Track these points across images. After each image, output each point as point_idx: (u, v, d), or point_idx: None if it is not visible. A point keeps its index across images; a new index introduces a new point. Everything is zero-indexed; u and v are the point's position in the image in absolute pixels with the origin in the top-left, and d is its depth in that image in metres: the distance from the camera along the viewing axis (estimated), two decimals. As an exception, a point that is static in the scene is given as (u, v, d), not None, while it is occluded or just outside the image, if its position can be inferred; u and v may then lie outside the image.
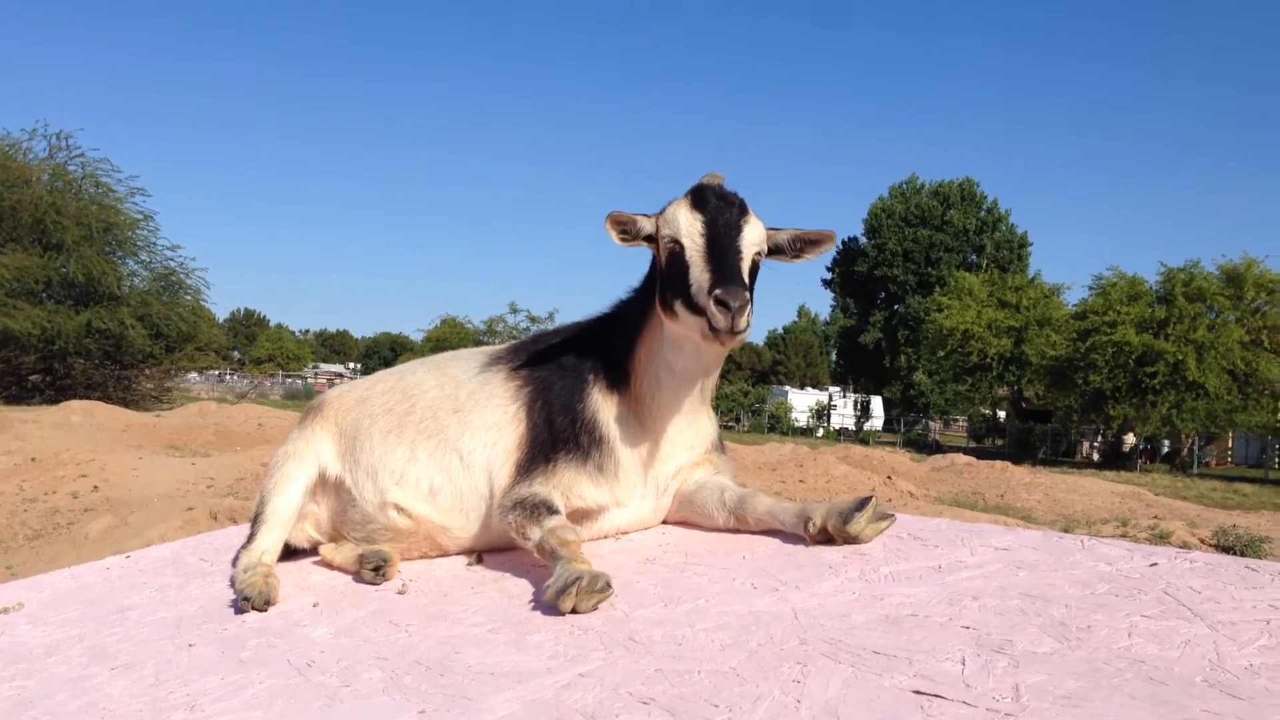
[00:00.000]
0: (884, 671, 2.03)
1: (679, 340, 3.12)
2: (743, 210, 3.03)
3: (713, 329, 2.81)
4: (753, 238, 3.01)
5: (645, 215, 3.12)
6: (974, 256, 79.13)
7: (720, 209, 2.99)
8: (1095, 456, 51.39)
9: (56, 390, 38.99)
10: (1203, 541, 15.07)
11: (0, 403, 34.24)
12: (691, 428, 3.38)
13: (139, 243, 44.42)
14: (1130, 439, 48.17)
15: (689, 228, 2.96)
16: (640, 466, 3.33)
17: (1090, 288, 49.46)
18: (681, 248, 2.95)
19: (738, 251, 2.93)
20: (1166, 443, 50.12)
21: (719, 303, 2.76)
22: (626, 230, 3.09)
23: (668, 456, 3.37)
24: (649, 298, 3.23)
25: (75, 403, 28.01)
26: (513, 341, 3.84)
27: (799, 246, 3.20)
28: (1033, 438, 53.72)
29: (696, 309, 2.85)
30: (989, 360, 52.75)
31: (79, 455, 15.88)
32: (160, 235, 46.83)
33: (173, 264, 45.65)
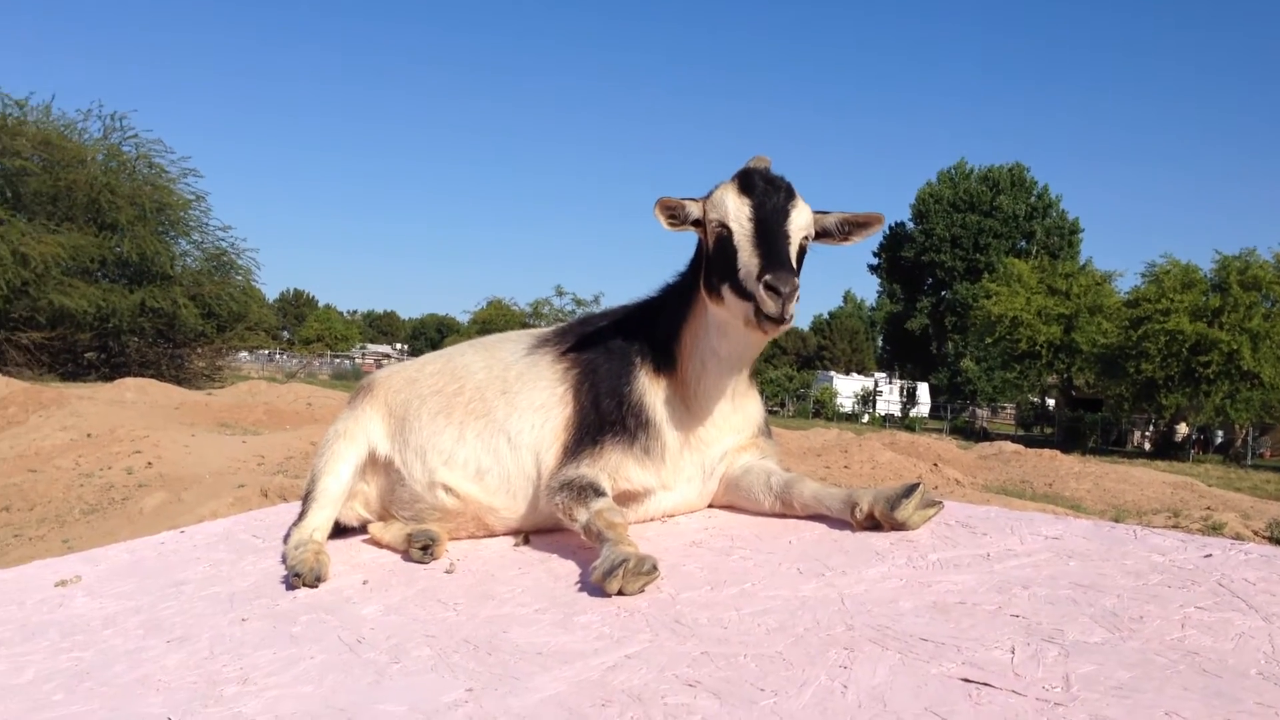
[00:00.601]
0: (932, 659, 2.02)
1: (724, 325, 3.12)
2: (790, 194, 3.01)
3: (761, 314, 2.80)
4: (800, 222, 3.00)
5: (692, 200, 3.11)
6: (1023, 243, 78.27)
7: (768, 193, 2.97)
8: (1146, 446, 50.73)
9: (111, 368, 39.67)
10: (1256, 534, 14.84)
11: (57, 379, 34.87)
12: (737, 411, 3.37)
13: (191, 223, 45.12)
14: (1182, 429, 47.51)
15: (737, 212, 2.95)
16: (686, 450, 3.33)
17: (1143, 275, 48.75)
18: (729, 232, 2.94)
19: (786, 236, 2.92)
20: (1220, 433, 49.35)
21: (769, 288, 2.75)
22: (675, 215, 3.09)
23: (713, 440, 3.37)
24: (694, 282, 3.23)
25: (129, 380, 28.47)
26: (560, 324, 3.86)
27: (847, 229, 3.19)
28: (1082, 426, 53.06)
29: (744, 294, 2.85)
30: (1038, 347, 52.11)
31: (133, 432, 16.15)
32: (212, 216, 47.35)
33: (224, 244, 46.38)
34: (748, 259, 2.87)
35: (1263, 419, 45.24)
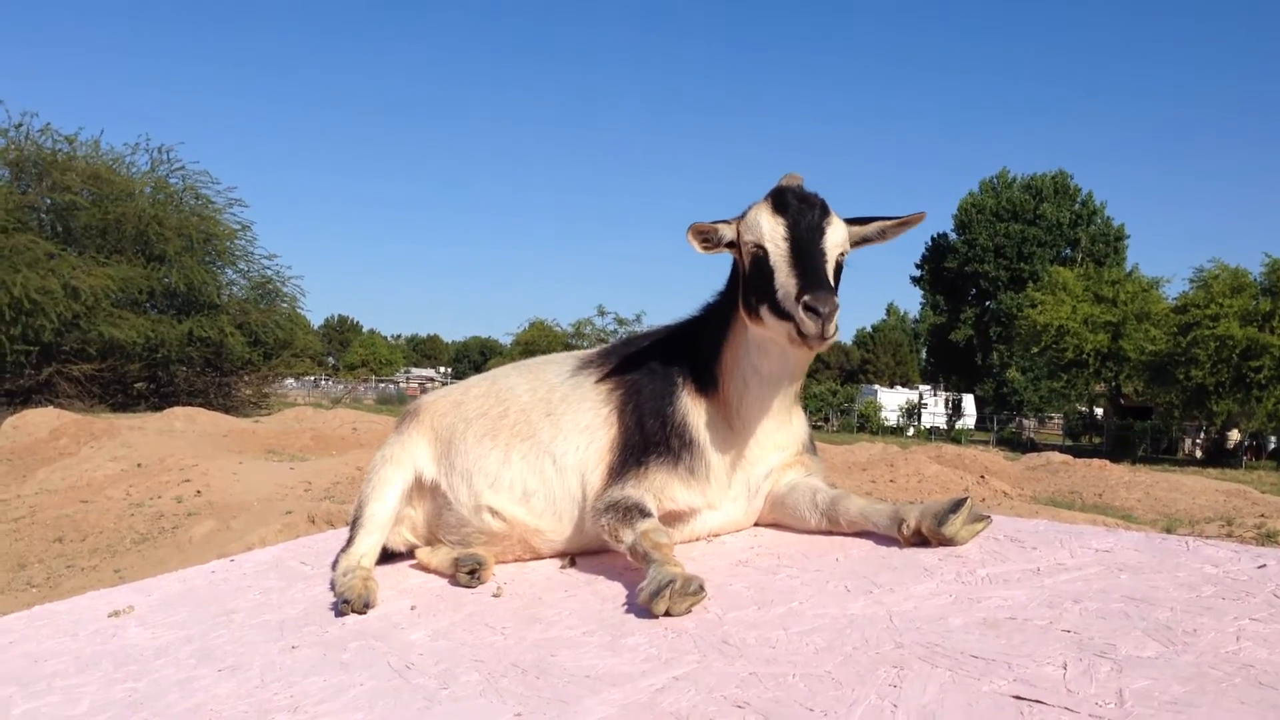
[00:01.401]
0: (982, 676, 2.01)
1: (764, 344, 3.12)
2: (824, 212, 3.01)
3: (801, 334, 2.80)
4: (835, 239, 3.00)
5: (725, 222, 3.11)
6: (1068, 251, 77.58)
7: (802, 212, 2.97)
8: (1198, 454, 50.05)
9: (160, 397, 40.18)
10: (1313, 541, 14.56)
11: (107, 410, 35.39)
12: (781, 429, 3.36)
13: (237, 252, 45.72)
14: (1234, 435, 46.85)
15: (772, 232, 2.95)
16: (731, 469, 3.33)
17: (1191, 280, 48.20)
18: (765, 253, 2.94)
19: (822, 254, 2.92)
20: (1273, 439, 48.58)
21: (808, 309, 2.75)
22: (708, 239, 3.09)
23: (758, 459, 3.36)
24: (733, 302, 3.23)
25: (178, 409, 28.84)
26: (602, 345, 3.87)
27: (885, 232, 3.19)
28: (1132, 435, 52.46)
29: (783, 314, 2.85)
30: (1085, 356, 51.62)
31: (182, 460, 16.35)
32: (257, 245, 48.39)
33: (269, 272, 46.95)
34: (785, 279, 2.87)
35: (1317, 424, 44.45)
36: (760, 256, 2.96)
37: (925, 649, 2.19)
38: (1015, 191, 79.67)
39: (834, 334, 2.79)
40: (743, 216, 3.07)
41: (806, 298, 2.76)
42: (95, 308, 37.75)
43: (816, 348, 2.86)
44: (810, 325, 2.76)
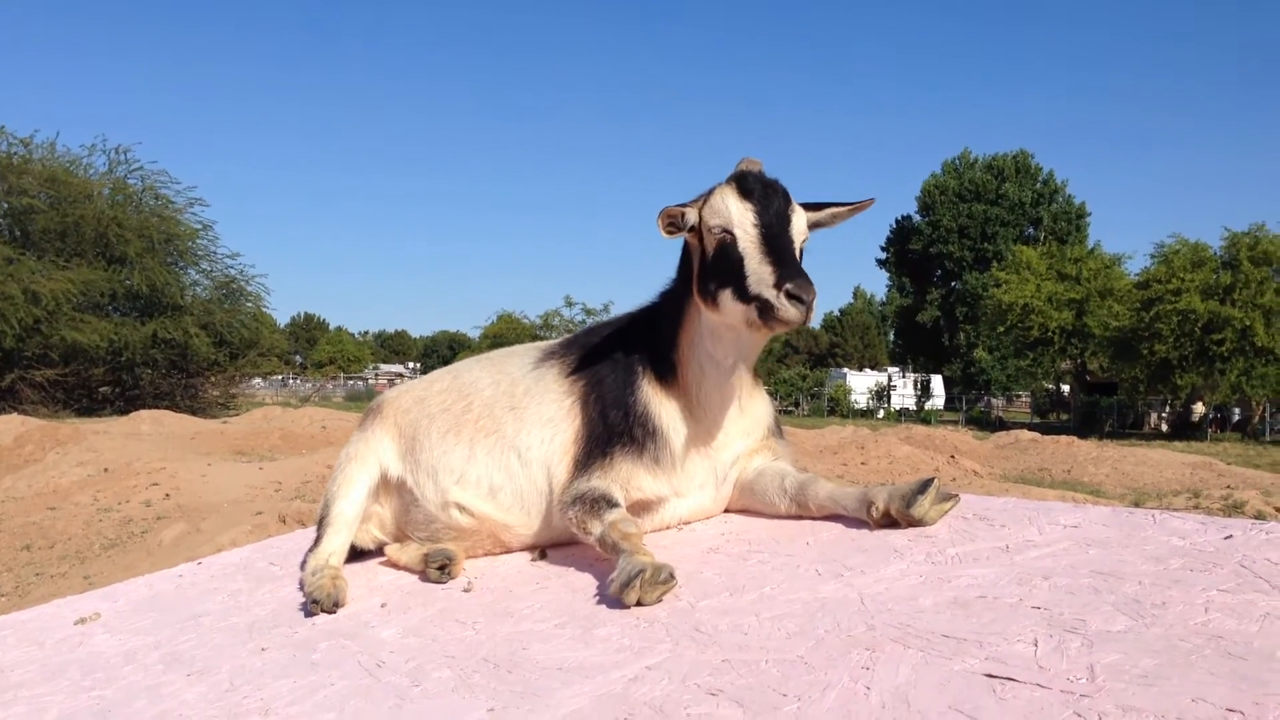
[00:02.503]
0: (954, 655, 2.00)
1: (717, 330, 3.11)
2: (788, 198, 3.01)
3: (768, 314, 2.80)
4: (799, 226, 3.02)
5: (687, 206, 3.09)
6: (1031, 230, 78.17)
7: (769, 198, 2.96)
8: (1163, 428, 50.54)
9: (126, 401, 39.83)
10: (1278, 510, 14.76)
11: (72, 415, 35.03)
12: (744, 414, 3.36)
13: (199, 252, 45.30)
14: (1199, 408, 47.32)
15: (740, 217, 2.93)
16: (696, 456, 3.32)
17: (1152, 256, 48.63)
18: (733, 238, 2.92)
19: (792, 241, 2.93)
20: (1237, 411, 49.13)
21: (792, 296, 2.75)
22: (675, 224, 3.07)
23: (723, 445, 3.35)
24: (685, 288, 3.22)
25: (144, 412, 28.59)
26: (565, 336, 3.85)
27: (836, 217, 3.23)
28: (1098, 411, 52.94)
29: (747, 297, 2.84)
30: (1050, 334, 51.98)
31: (150, 464, 16.20)
32: (220, 244, 47.85)
33: (233, 272, 46.55)
34: (757, 266, 2.85)
35: (1279, 394, 45.01)
36: (728, 242, 2.94)
37: (897, 630, 2.19)
38: (977, 172, 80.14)
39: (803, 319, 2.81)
40: (706, 201, 3.04)
41: (789, 286, 2.75)
42: (56, 312, 37.35)
43: (777, 329, 2.87)
44: (794, 312, 2.76)
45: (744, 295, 2.85)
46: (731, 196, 2.97)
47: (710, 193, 3.05)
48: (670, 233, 3.06)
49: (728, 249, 2.94)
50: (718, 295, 2.94)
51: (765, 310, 2.80)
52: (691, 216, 3.06)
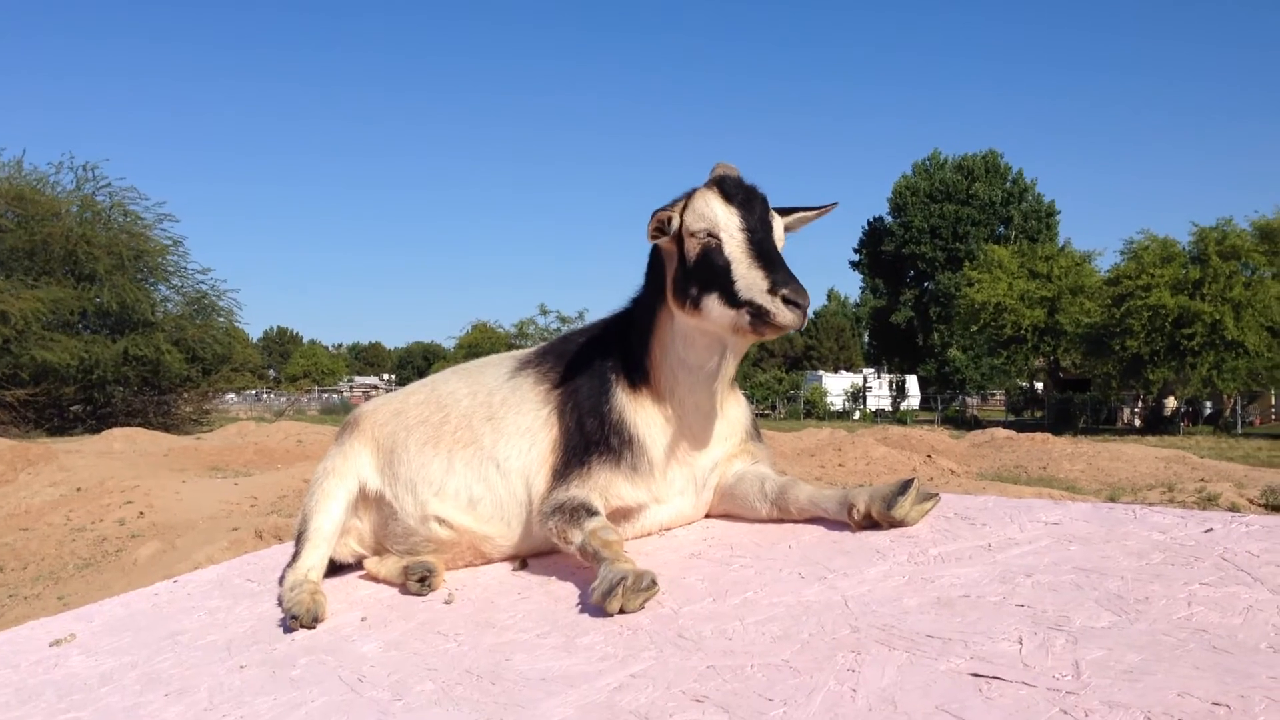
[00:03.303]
0: (939, 655, 2.00)
1: (690, 334, 3.09)
2: (767, 204, 3.01)
3: (758, 320, 2.78)
4: (779, 232, 3.03)
5: (670, 209, 3.06)
6: (1002, 229, 78.65)
7: (752, 203, 2.96)
8: (1137, 422, 50.95)
9: (97, 419, 39.47)
10: (1251, 502, 14.91)
11: (43, 435, 34.69)
12: (720, 419, 3.34)
13: (170, 268, 44.95)
14: (1171, 402, 47.76)
15: (727, 221, 2.91)
16: (674, 462, 3.30)
17: (1122, 252, 49.11)
18: (719, 242, 2.90)
19: (776, 246, 2.92)
20: (1208, 404, 49.63)
21: (789, 302, 2.74)
22: (662, 228, 3.03)
23: (701, 450, 3.34)
24: (656, 293, 3.19)
25: (116, 430, 28.36)
26: (541, 345, 3.82)
27: (802, 221, 3.25)
28: (1072, 407, 53.31)
29: (736, 303, 2.81)
30: (1023, 332, 52.35)
31: (123, 482, 16.05)
32: (190, 259, 47.43)
33: (204, 287, 46.24)
34: (746, 271, 2.83)
35: (1250, 387, 45.56)
36: (713, 246, 2.91)
37: (881, 632, 2.18)
38: (947, 172, 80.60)
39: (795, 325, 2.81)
40: (686, 204, 3.01)
41: (785, 291, 2.74)
42: (26, 331, 37.00)
43: (769, 335, 2.84)
44: (790, 317, 2.74)
45: (733, 300, 2.83)
46: (716, 200, 2.95)
47: (690, 196, 3.02)
48: (656, 237, 3.04)
49: (712, 253, 2.91)
50: (701, 300, 2.91)
51: (759, 315, 2.78)
52: (675, 220, 3.04)
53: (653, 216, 2.99)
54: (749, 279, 2.82)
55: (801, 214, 3.21)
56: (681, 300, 2.99)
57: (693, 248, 2.96)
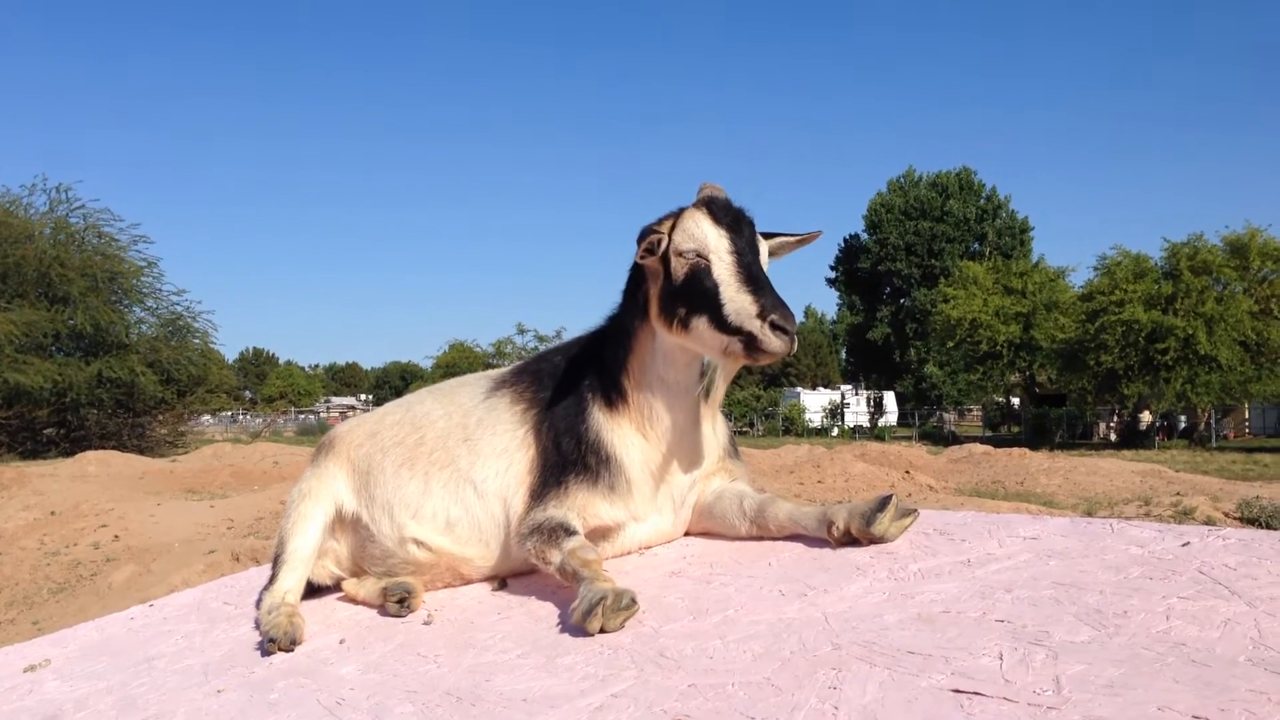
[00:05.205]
0: (920, 671, 2.00)
1: (672, 353, 3.10)
2: (754, 227, 3.02)
3: (751, 346, 2.79)
4: (765, 255, 3.04)
5: (659, 229, 3.05)
6: (976, 245, 79.25)
7: (741, 226, 2.97)
8: (1112, 437, 51.23)
9: (71, 442, 39.06)
10: (1226, 515, 14.97)
11: (16, 458, 34.35)
12: (698, 437, 3.33)
13: (144, 290, 44.66)
14: (1146, 417, 48.04)
15: (716, 243, 2.91)
16: (652, 481, 3.29)
17: (1095, 268, 49.44)
18: (708, 264, 2.89)
19: (764, 270, 2.93)
20: (1183, 418, 50.01)
21: (776, 328, 2.75)
22: (651, 248, 3.01)
23: (678, 469, 3.33)
24: (635, 311, 3.19)
25: (91, 453, 28.04)
26: (516, 364, 3.81)
27: (784, 248, 3.26)
28: (1048, 422, 53.57)
29: (728, 328, 2.81)
30: (999, 347, 52.56)
31: (98, 506, 15.89)
32: (165, 281, 46.66)
33: (179, 309, 45.93)
34: (735, 294, 2.83)
35: (1223, 401, 45.87)
36: (702, 267, 2.90)
37: (862, 648, 2.18)
38: (922, 189, 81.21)
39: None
40: (674, 224, 3.00)
41: (774, 317, 2.75)
42: (-2, 354, 36.68)
43: (761, 360, 2.84)
44: (778, 344, 2.76)
45: (724, 325, 2.83)
46: (705, 221, 2.95)
47: (678, 216, 3.01)
48: (645, 257, 3.03)
49: (700, 275, 2.90)
50: (690, 320, 2.91)
51: (750, 343, 2.79)
52: (662, 241, 3.02)
53: (644, 237, 2.98)
54: (738, 303, 2.82)
55: (785, 239, 3.22)
56: (669, 319, 2.99)
57: (680, 267, 2.96)
